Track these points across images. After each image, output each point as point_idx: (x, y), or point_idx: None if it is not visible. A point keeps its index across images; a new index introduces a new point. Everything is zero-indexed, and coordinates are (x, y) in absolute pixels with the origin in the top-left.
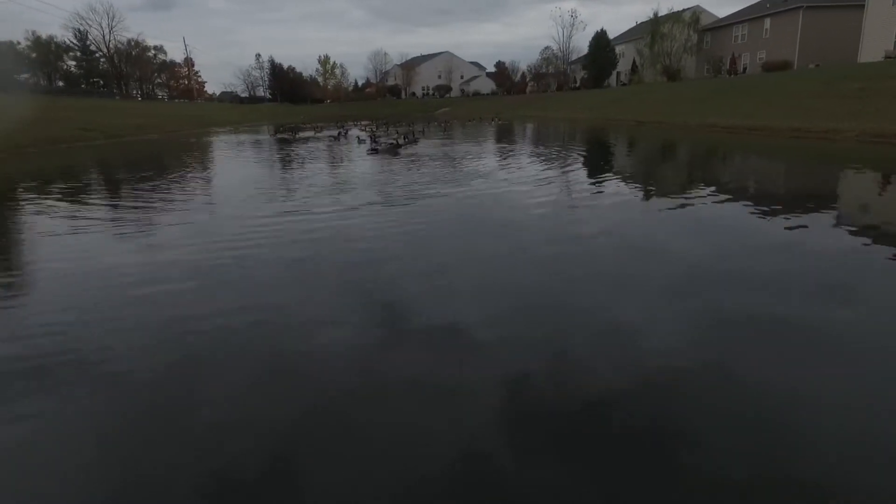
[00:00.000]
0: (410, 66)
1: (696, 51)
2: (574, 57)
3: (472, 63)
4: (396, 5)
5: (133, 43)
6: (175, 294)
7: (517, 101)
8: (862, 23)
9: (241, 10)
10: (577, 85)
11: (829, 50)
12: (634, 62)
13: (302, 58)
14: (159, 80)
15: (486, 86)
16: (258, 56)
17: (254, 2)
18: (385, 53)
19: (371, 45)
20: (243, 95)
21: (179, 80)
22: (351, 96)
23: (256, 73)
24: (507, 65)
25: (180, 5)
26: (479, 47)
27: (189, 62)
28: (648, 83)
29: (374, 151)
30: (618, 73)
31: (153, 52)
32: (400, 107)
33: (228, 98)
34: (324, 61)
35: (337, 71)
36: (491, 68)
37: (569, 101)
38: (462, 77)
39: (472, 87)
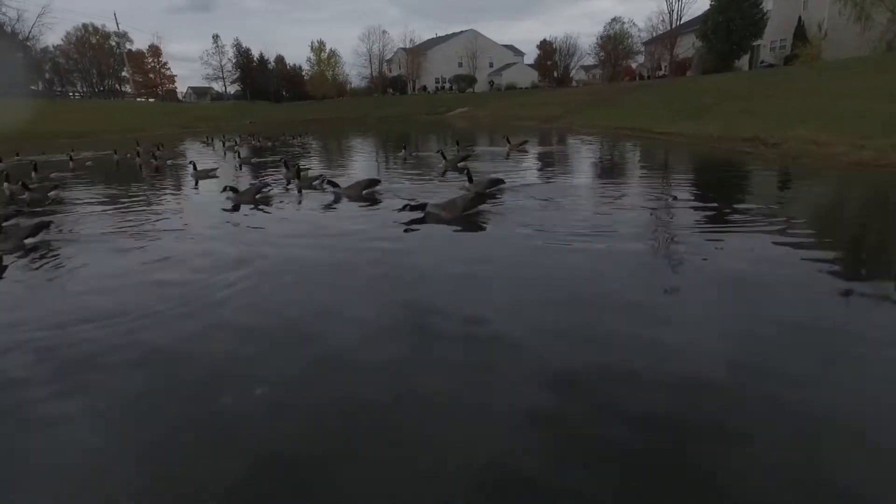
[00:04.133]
0: (419, 50)
1: None
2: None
3: (505, 46)
4: (431, 3)
5: (91, 29)
6: None
7: (582, 97)
8: None
9: (277, 9)
10: (663, 72)
11: None
12: (801, 23)
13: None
14: (125, 74)
15: (526, 76)
16: (215, 38)
17: (290, 1)
18: (383, 31)
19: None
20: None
21: (147, 74)
22: (351, 92)
23: (216, 62)
24: (554, 45)
25: (220, 6)
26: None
27: (154, 51)
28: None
29: None
30: (755, 48)
31: (116, 40)
32: (400, 106)
33: (200, 94)
34: (317, 49)
35: (333, 61)
36: (532, 55)
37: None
38: (491, 65)
39: (506, 77)
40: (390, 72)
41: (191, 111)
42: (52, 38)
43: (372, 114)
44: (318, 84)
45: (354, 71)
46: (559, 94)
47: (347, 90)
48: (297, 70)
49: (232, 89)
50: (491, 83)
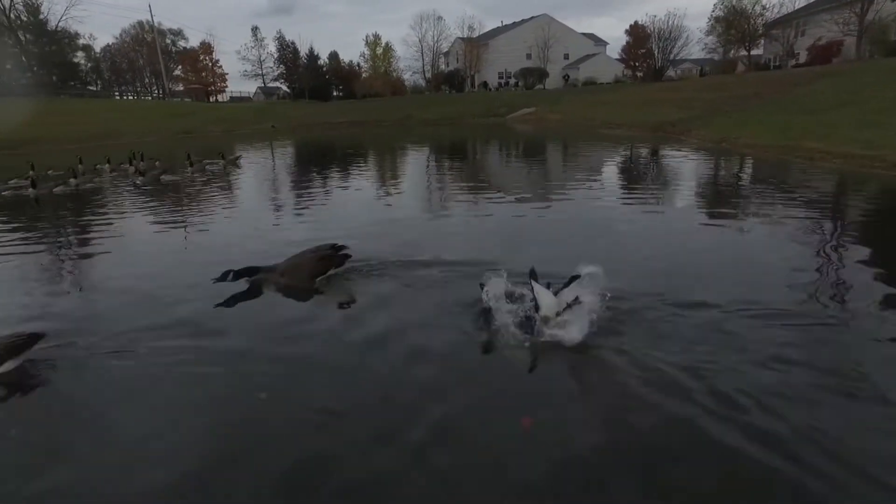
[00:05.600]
0: (480, 40)
1: None
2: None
3: (584, 35)
4: (506, 2)
5: (147, 26)
6: None
7: (706, 92)
8: None
9: (357, 11)
10: (796, 61)
11: None
12: None
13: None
14: (178, 73)
15: (608, 69)
16: (254, 30)
17: (369, 3)
18: (438, 18)
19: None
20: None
21: (200, 73)
22: (412, 90)
23: (254, 57)
24: (649, 29)
25: (301, 9)
26: None
27: (206, 49)
28: None
29: None
30: None
31: (170, 38)
32: (451, 106)
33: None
34: (372, 43)
35: (388, 56)
36: (616, 45)
37: None
38: (567, 57)
39: (584, 71)
40: (447, 66)
41: (205, 112)
42: (89, 31)
43: (416, 115)
44: (371, 82)
45: (404, 64)
46: (663, 90)
47: (407, 89)
48: (353, 67)
49: (274, 86)
50: (566, 78)
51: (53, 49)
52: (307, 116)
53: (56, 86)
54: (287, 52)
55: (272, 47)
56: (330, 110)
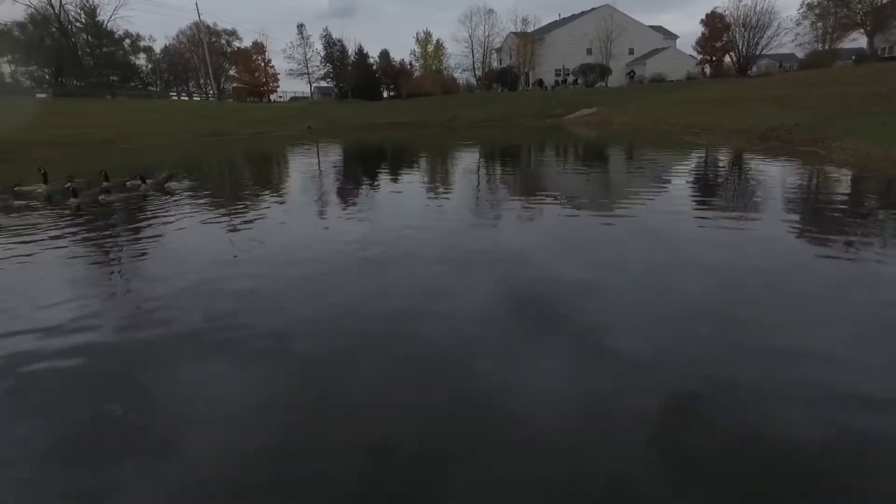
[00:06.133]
0: (535, 34)
1: None
2: None
3: (652, 28)
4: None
5: (203, 27)
6: None
7: (833, 85)
8: None
9: (413, 11)
10: (885, 54)
11: None
12: None
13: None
14: (232, 73)
15: (680, 65)
16: (300, 28)
17: (428, 3)
18: (490, 11)
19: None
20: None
21: (253, 73)
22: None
23: (300, 55)
24: (729, 16)
25: (361, 11)
26: None
27: (258, 49)
28: None
29: None
30: None
31: (225, 38)
32: (501, 105)
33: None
34: (423, 41)
35: (439, 54)
36: (687, 39)
37: None
38: (632, 52)
39: (650, 67)
40: (500, 62)
41: (243, 113)
42: (149, 33)
43: (462, 115)
44: (422, 80)
45: (454, 62)
46: (751, 87)
47: (460, 87)
48: (404, 66)
49: (330, 86)
50: (630, 75)
51: (111, 50)
52: (349, 117)
53: (114, 86)
54: (334, 49)
55: (319, 45)
56: (373, 111)
